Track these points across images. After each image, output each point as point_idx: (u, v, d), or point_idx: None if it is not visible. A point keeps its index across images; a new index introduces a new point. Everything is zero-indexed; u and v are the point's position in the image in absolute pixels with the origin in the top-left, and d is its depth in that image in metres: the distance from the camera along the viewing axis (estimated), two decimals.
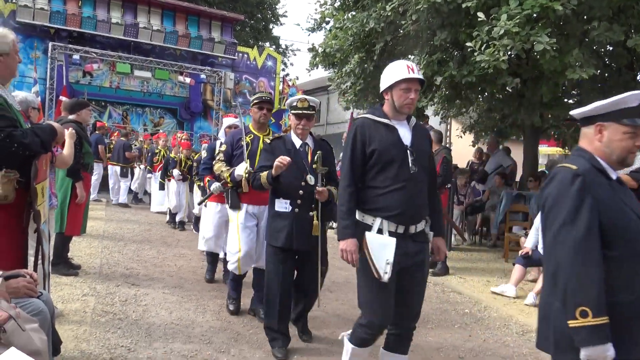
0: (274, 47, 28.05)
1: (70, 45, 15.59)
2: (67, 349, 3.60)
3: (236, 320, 4.56)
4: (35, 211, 2.88)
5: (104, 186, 13.13)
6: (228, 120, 5.76)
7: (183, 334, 4.16)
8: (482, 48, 6.38)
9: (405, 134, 3.01)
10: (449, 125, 18.56)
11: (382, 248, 2.83)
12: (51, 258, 3.93)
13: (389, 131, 2.98)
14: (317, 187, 3.68)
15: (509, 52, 6.27)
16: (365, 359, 3.19)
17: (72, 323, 4.15)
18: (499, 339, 4.70)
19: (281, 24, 38.96)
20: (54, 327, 2.83)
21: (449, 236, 8.44)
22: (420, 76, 2.97)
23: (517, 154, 10.90)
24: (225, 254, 5.47)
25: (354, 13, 9.41)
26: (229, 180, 4.47)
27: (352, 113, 12.82)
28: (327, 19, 10.50)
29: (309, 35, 70.30)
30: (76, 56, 15.48)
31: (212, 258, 5.97)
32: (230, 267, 4.60)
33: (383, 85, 3.04)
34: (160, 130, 16.45)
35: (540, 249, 6.09)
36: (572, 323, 1.96)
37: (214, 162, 4.83)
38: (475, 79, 7.07)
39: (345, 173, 3.01)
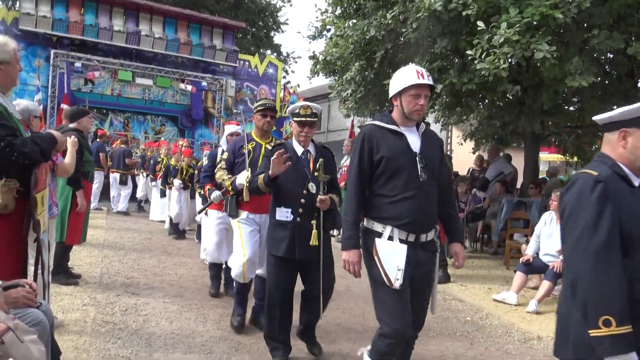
0: (275, 54, 28.14)
1: (72, 53, 15.64)
2: None
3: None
4: (35, 220, 2.88)
5: (104, 194, 13.14)
6: (230, 128, 5.68)
7: (184, 344, 4.14)
8: (483, 56, 6.40)
9: (414, 141, 2.97)
10: (449, 133, 18.55)
11: (392, 255, 2.79)
12: (51, 267, 3.92)
13: (398, 138, 2.94)
14: (319, 195, 3.61)
15: (509, 60, 6.28)
16: None
17: (72, 333, 4.14)
18: (501, 346, 4.68)
19: (282, 32, 39.11)
20: (54, 337, 2.81)
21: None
22: (430, 81, 2.92)
23: (518, 161, 10.89)
24: (226, 262, 5.38)
25: (354, 21, 9.45)
26: (230, 188, 4.41)
27: (352, 121, 12.85)
28: (328, 27, 10.55)
29: (310, 43, 70.48)
30: (78, 64, 15.52)
31: (216, 271, 5.74)
32: (234, 274, 4.45)
33: (392, 91, 3.00)
34: (162, 138, 16.46)
35: (542, 256, 6.08)
36: (593, 332, 1.91)
37: (215, 170, 4.77)
38: (475, 86, 7.08)
39: (352, 181, 2.98)
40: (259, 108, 4.48)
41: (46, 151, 2.95)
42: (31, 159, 2.84)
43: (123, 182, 12.87)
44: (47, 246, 3.33)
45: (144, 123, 18.10)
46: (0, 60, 2.85)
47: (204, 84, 17.45)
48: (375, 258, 2.82)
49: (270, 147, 4.13)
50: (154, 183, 12.28)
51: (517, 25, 6.08)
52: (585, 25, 6.73)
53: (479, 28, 6.42)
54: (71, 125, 5.43)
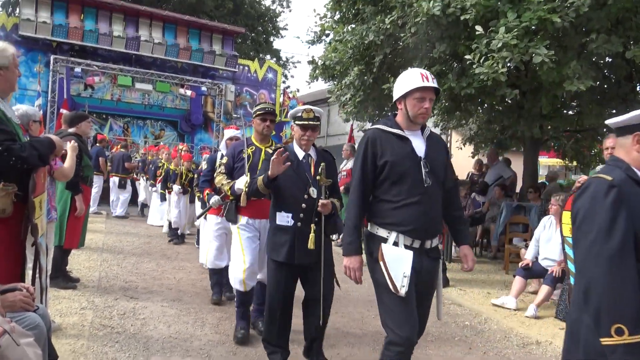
0: (274, 59, 28.21)
1: (72, 59, 15.71)
2: None
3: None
4: (32, 224, 2.88)
5: (104, 198, 13.15)
6: (229, 132, 5.69)
7: (181, 348, 4.14)
8: (481, 60, 6.41)
9: (419, 145, 2.92)
10: (449, 137, 18.58)
11: (398, 261, 2.75)
12: (50, 271, 3.92)
13: (402, 142, 2.90)
14: (320, 200, 3.55)
15: (508, 64, 6.29)
16: None
17: (70, 337, 4.13)
18: (499, 351, 4.67)
19: (282, 37, 39.23)
20: (50, 341, 2.81)
21: (450, 248, 8.43)
22: (435, 84, 2.88)
23: (517, 165, 10.90)
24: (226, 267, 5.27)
25: (353, 26, 9.47)
26: (229, 193, 4.36)
27: (352, 125, 12.86)
28: (327, 32, 10.58)
29: (309, 47, 70.65)
30: (78, 69, 15.61)
31: (217, 278, 5.63)
32: (234, 283, 4.37)
33: (396, 94, 2.95)
34: (161, 143, 16.48)
35: (541, 261, 6.08)
36: (605, 341, 1.87)
37: (215, 175, 4.72)
38: (474, 90, 7.09)
39: (355, 186, 2.93)
40: (258, 112, 4.42)
41: (44, 155, 2.95)
42: (29, 163, 2.84)
43: (122, 186, 12.88)
44: (45, 250, 3.33)
45: (143, 128, 18.15)
46: None
47: (204, 88, 17.50)
48: (381, 264, 2.77)
49: (270, 151, 4.09)
50: (154, 188, 12.24)
51: (516, 29, 6.09)
52: (583, 29, 6.74)
53: (477, 32, 6.43)
54: (70, 130, 5.43)
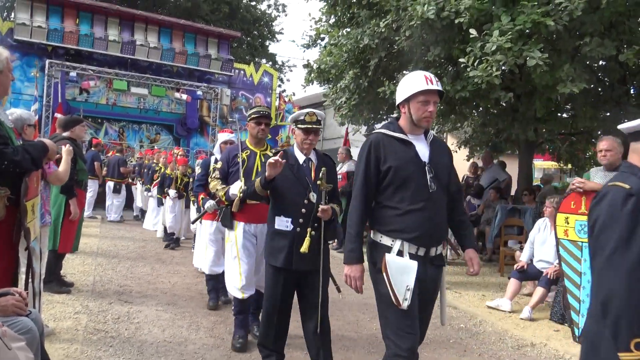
0: (270, 63, 28.25)
1: (67, 63, 15.68)
2: None
3: (230, 338, 4.49)
4: (25, 228, 2.87)
5: (99, 203, 13.12)
6: (223, 136, 5.64)
7: (176, 352, 4.13)
8: (475, 63, 6.44)
9: (423, 150, 2.85)
10: (444, 140, 18.63)
11: (402, 272, 2.67)
12: (43, 276, 3.91)
13: (406, 147, 2.83)
14: (320, 205, 3.48)
15: (502, 68, 6.32)
16: None
17: (64, 341, 4.12)
18: (494, 353, 4.67)
19: (277, 41, 39.30)
20: (43, 345, 2.80)
21: (445, 251, 8.42)
22: (439, 87, 2.80)
23: (512, 168, 10.93)
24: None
25: (348, 30, 9.50)
26: (224, 198, 4.31)
27: (347, 128, 12.87)
28: (322, 36, 10.61)
29: (305, 51, 70.76)
30: (73, 73, 15.56)
31: (213, 284, 5.57)
32: (232, 291, 4.36)
33: (399, 98, 2.88)
34: (155, 147, 16.44)
35: (535, 263, 6.09)
36: (624, 356, 1.80)
37: (209, 180, 4.64)
38: (469, 94, 7.12)
39: (357, 192, 2.85)
40: (253, 116, 4.36)
41: (37, 159, 2.95)
42: (22, 167, 2.84)
43: (117, 191, 12.85)
44: (39, 254, 3.32)
45: (139, 132, 18.13)
46: None
47: (199, 93, 17.48)
48: (384, 275, 2.69)
49: (271, 154, 4.05)
50: (149, 193, 12.19)
51: (509, 32, 6.12)
52: (577, 32, 6.77)
53: (471, 36, 6.46)
54: (65, 134, 5.42)
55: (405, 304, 2.65)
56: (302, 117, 3.63)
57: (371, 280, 2.90)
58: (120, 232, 11.03)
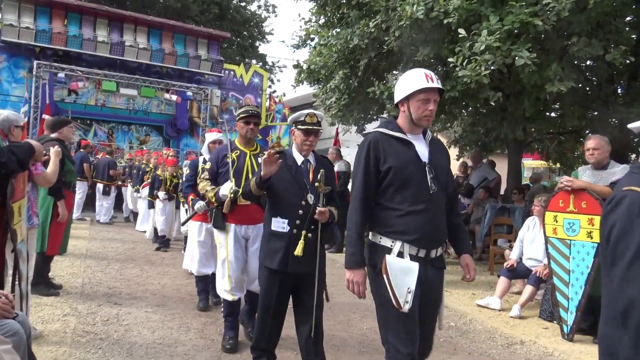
0: (260, 64, 28.21)
1: (56, 64, 15.58)
2: None
3: (220, 339, 4.48)
4: (11, 230, 2.85)
5: (89, 205, 13.04)
6: (211, 136, 5.56)
7: (165, 353, 4.10)
8: (464, 63, 6.46)
9: (423, 150, 2.78)
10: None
11: (403, 274, 2.59)
12: (31, 278, 3.88)
13: (405, 147, 2.75)
14: (318, 207, 3.43)
15: (491, 67, 6.34)
16: None
17: (52, 344, 4.08)
18: (484, 351, 4.69)
19: (267, 42, 39.26)
20: (30, 348, 2.77)
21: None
22: (440, 85, 2.73)
23: (502, 167, 10.98)
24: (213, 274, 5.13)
25: (338, 30, 9.50)
26: (213, 199, 4.25)
27: (337, 129, 12.88)
28: (311, 36, 10.59)
29: (294, 52, 70.75)
30: (61, 74, 15.47)
31: (203, 285, 5.55)
32: (221, 293, 4.32)
33: (399, 96, 2.80)
34: (144, 148, 16.35)
35: (525, 261, 6.12)
36: None
37: (198, 181, 4.57)
38: (458, 93, 7.13)
39: (356, 193, 2.76)
40: (242, 115, 4.30)
41: (23, 160, 2.93)
42: (8, 168, 2.82)
43: (106, 193, 12.77)
44: (26, 256, 3.30)
45: (128, 133, 18.05)
46: None
47: (189, 93, 17.44)
48: (384, 277, 2.61)
49: (264, 155, 4.00)
50: (138, 194, 12.11)
51: (498, 32, 6.15)
52: (564, 32, 6.81)
53: (460, 36, 6.48)
54: (52, 135, 5.39)
55: (406, 307, 2.58)
56: (302, 118, 3.57)
57: (369, 282, 2.82)
58: (109, 234, 10.97)
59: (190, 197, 5.24)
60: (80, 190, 11.70)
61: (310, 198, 3.48)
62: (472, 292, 6.90)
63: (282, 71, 43.70)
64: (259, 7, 29.72)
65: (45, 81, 15.33)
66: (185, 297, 5.90)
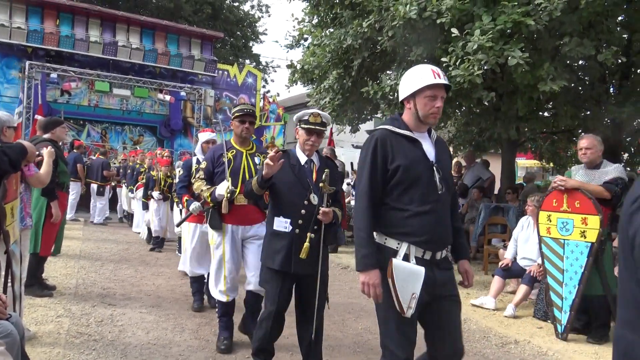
0: (254, 64, 28.20)
1: (48, 64, 15.51)
2: None
3: (214, 339, 4.46)
4: (4, 231, 2.84)
5: (83, 205, 12.98)
6: (204, 136, 5.53)
7: (160, 354, 4.09)
8: (457, 63, 6.48)
9: (429, 149, 2.71)
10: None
11: (409, 279, 2.51)
12: (24, 279, 3.86)
13: (413, 145, 2.67)
14: (321, 208, 3.39)
15: (484, 67, 6.37)
16: None
17: (46, 345, 4.06)
18: (479, 351, 4.71)
19: (261, 42, 39.24)
20: (24, 349, 2.76)
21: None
22: (447, 81, 2.67)
23: (495, 166, 11.03)
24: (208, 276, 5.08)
25: (331, 30, 9.52)
26: (209, 200, 4.21)
27: (331, 128, 12.89)
28: (305, 36, 10.61)
29: (288, 52, 70.72)
30: (54, 75, 15.39)
31: (197, 286, 5.53)
32: (215, 294, 4.31)
33: (404, 93, 2.71)
34: (138, 148, 16.29)
35: (519, 261, 6.15)
36: None
37: (193, 181, 4.53)
38: (451, 93, 7.15)
39: (363, 192, 2.65)
40: (237, 114, 4.23)
41: (15, 161, 2.91)
42: (0, 169, 2.80)
43: (100, 194, 12.73)
44: (19, 257, 3.28)
45: (122, 133, 18.00)
46: None
47: (183, 93, 17.39)
48: (389, 281, 2.53)
49: (262, 155, 3.95)
50: (132, 195, 12.05)
51: (490, 32, 6.18)
52: (557, 32, 6.86)
53: (453, 35, 6.51)
54: (45, 136, 5.37)
55: (409, 312, 2.51)
56: (306, 117, 3.53)
57: None
58: (103, 234, 10.93)
59: (185, 197, 5.19)
60: (74, 190, 11.64)
61: (314, 198, 3.44)
62: (467, 291, 6.87)
63: (275, 71, 43.75)
64: (252, 7, 29.78)
65: (38, 82, 15.25)
66: (179, 298, 5.88)
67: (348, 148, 23.50)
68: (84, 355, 3.95)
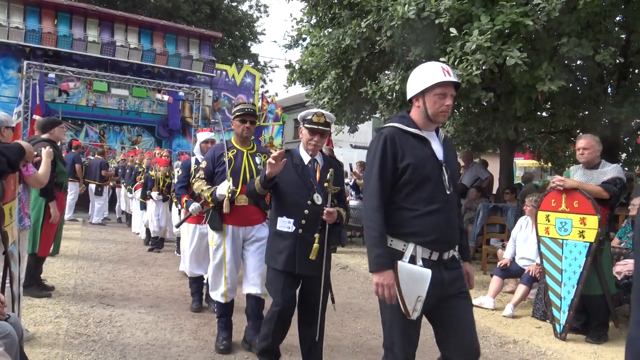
0: (252, 64, 28.19)
1: (46, 64, 15.48)
2: None
3: (213, 340, 4.46)
4: (2, 232, 2.83)
5: (82, 206, 12.97)
6: (203, 135, 5.54)
7: (159, 355, 4.09)
8: (456, 63, 6.49)
9: (437, 148, 2.68)
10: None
11: (415, 281, 2.48)
12: (22, 280, 3.86)
13: (422, 143, 2.63)
14: (326, 208, 3.37)
15: (482, 67, 6.38)
16: None
17: (44, 346, 4.06)
18: None
19: (259, 42, 39.26)
20: (23, 350, 2.76)
21: None
22: (456, 79, 2.62)
23: (494, 166, 11.04)
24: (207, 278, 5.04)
25: (330, 30, 9.51)
26: (209, 200, 4.17)
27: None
28: (303, 36, 10.60)
29: (286, 52, 70.70)
30: (52, 75, 15.37)
31: (196, 287, 5.54)
32: (215, 296, 4.29)
33: (413, 90, 2.67)
34: (136, 148, 16.27)
35: (518, 260, 6.15)
36: None
37: (193, 180, 4.48)
38: None
39: (373, 191, 2.59)
40: (237, 113, 4.19)
41: (13, 161, 2.91)
42: None
43: (98, 193, 12.72)
44: (17, 258, 3.27)
45: (120, 133, 17.97)
46: None
47: (181, 93, 17.37)
48: (395, 282, 2.50)
49: (263, 156, 3.93)
50: (130, 195, 12.04)
51: (489, 32, 6.18)
52: (555, 32, 6.87)
53: (451, 35, 6.51)
54: (43, 136, 5.36)
55: (414, 315, 2.49)
56: (309, 117, 3.51)
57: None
58: (102, 234, 10.92)
59: (184, 198, 5.18)
60: (72, 191, 11.62)
61: (317, 198, 3.42)
62: None
63: (274, 71, 43.72)
64: (251, 7, 29.74)
65: (36, 81, 15.22)
66: (178, 298, 5.88)
67: (347, 148, 23.53)
68: (83, 355, 3.94)
